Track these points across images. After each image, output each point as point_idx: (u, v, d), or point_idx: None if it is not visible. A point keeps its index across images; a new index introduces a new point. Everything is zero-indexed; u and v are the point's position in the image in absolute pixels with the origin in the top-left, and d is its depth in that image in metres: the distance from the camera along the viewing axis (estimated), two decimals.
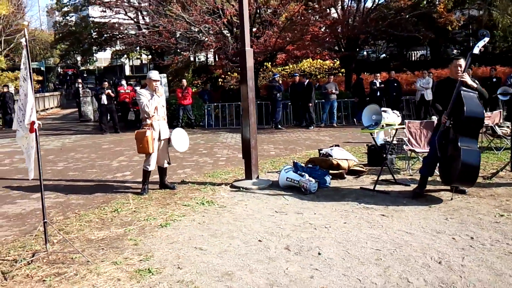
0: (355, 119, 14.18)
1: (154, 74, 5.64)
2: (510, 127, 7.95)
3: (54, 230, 4.06)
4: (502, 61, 20.84)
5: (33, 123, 3.33)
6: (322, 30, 17.18)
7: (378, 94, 13.37)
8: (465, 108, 4.55)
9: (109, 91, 13.04)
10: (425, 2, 19.56)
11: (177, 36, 15.05)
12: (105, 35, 26.46)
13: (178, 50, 19.47)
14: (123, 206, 5.05)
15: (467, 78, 4.67)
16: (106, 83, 13.35)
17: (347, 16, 17.26)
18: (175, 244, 3.79)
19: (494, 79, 13.14)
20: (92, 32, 26.87)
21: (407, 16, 18.78)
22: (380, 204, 4.82)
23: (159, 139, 5.60)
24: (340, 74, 20.55)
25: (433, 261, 3.27)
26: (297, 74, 14.38)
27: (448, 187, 5.14)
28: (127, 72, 48.90)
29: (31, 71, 3.32)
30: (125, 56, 33.99)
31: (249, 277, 3.12)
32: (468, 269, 3.10)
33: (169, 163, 5.92)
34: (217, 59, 25.45)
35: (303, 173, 5.53)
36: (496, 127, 7.73)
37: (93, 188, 6.12)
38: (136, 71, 49.21)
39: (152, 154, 5.51)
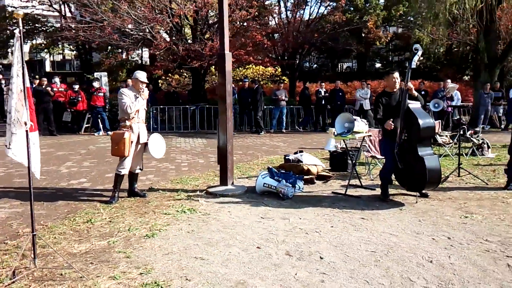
0: (300, 126, 14.70)
1: (141, 75, 5.40)
2: (449, 136, 8.79)
3: (29, 243, 3.72)
4: (424, 76, 22.80)
5: (25, 123, 3.05)
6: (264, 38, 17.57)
7: (323, 102, 13.98)
8: (419, 121, 4.99)
9: (49, 88, 12.13)
10: (357, 18, 20.81)
11: (121, 32, 14.38)
12: (25, 27, 24.43)
13: (119, 48, 18.60)
14: (95, 216, 4.76)
15: (411, 87, 5.12)
16: (44, 79, 12.36)
17: (284, 26, 17.86)
18: (172, 255, 3.68)
19: (423, 92, 14.39)
20: (11, 23, 24.64)
21: (342, 30, 19.91)
22: (356, 208, 5.08)
23: (137, 143, 5.39)
24: (282, 81, 21.17)
25: (425, 260, 3.55)
26: (247, 80, 14.53)
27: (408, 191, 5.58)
28: (48, 68, 45.61)
29: (24, 65, 3.04)
30: (46, 51, 31.66)
31: (262, 285, 3.14)
32: (457, 267, 3.41)
33: (141, 169, 5.70)
34: (157, 60, 24.83)
35: (280, 179, 5.64)
36: (437, 136, 8.50)
37: (51, 196, 5.68)
38: (58, 68, 46.09)
39: (127, 157, 5.27)
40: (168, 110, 14.65)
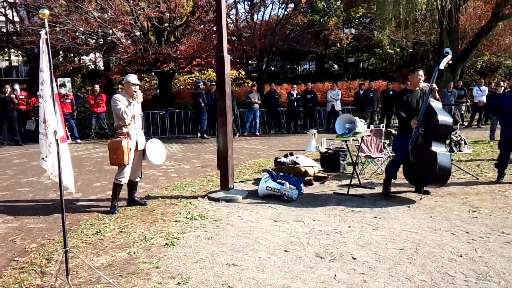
0: (272, 130, 14.72)
1: (133, 78, 5.13)
2: None
3: (43, 259, 3.42)
4: (379, 77, 23.59)
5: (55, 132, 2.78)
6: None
7: (295, 104, 14.07)
8: (438, 117, 5.13)
9: (13, 95, 11.34)
10: (319, 19, 21.19)
11: (84, 36, 13.74)
12: None
13: (76, 53, 17.73)
14: (102, 227, 4.48)
15: (436, 88, 5.27)
16: (8, 87, 11.54)
17: (250, 29, 17.80)
18: (202, 262, 3.51)
19: (391, 92, 14.89)
20: None
21: (305, 32, 20.18)
22: (364, 207, 5.11)
23: (136, 150, 5.12)
24: (246, 84, 21.13)
25: (455, 255, 3.61)
26: (214, 83, 14.33)
27: (412, 188, 5.70)
28: None
29: (52, 69, 2.77)
30: None
31: None
32: (487, 260, 3.49)
33: (140, 177, 5.42)
34: (113, 64, 23.99)
35: (283, 182, 5.57)
36: None
37: (45, 209, 5.28)
38: (5, 75, 43.41)
39: (126, 166, 5.00)
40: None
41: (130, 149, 4.97)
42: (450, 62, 5.98)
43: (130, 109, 4.98)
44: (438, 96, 5.38)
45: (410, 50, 24.61)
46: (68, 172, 3.03)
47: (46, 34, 2.76)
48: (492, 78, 19.26)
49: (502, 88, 10.99)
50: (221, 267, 3.40)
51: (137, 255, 3.68)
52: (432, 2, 14.14)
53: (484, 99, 14.00)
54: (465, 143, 8.94)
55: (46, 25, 2.79)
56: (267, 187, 5.56)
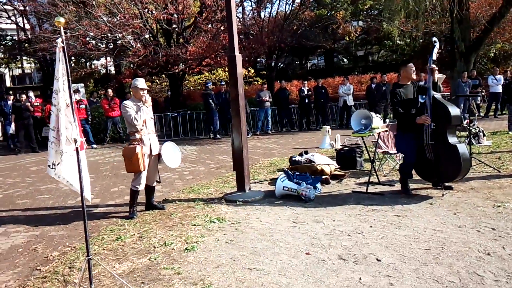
0: (284, 128, 14.62)
1: (141, 82, 5.08)
2: None
3: (66, 268, 3.42)
4: (391, 69, 23.23)
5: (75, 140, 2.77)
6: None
7: (306, 100, 13.96)
8: (450, 109, 5.00)
9: (28, 104, 11.46)
10: (326, 13, 20.97)
11: (94, 41, 13.84)
12: None
13: (87, 58, 17.86)
14: (122, 233, 4.48)
15: (435, 68, 5.16)
16: (23, 95, 11.67)
17: (258, 27, 17.70)
18: (223, 267, 3.47)
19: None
20: None
21: (313, 27, 20.02)
22: (385, 205, 5.00)
23: (150, 155, 5.09)
24: (256, 82, 21.05)
25: (482, 253, 3.50)
26: (223, 83, 14.34)
27: (428, 184, 5.58)
28: (8, 83, 43.43)
29: (70, 77, 2.74)
30: (4, 66, 29.98)
31: None
32: None
33: (158, 181, 5.40)
34: (124, 68, 24.12)
35: (299, 181, 5.50)
36: None
37: (65, 216, 5.33)
38: (19, 82, 44.03)
39: (142, 172, 4.98)
40: None
41: (144, 154, 4.94)
42: (440, 48, 5.82)
43: (140, 115, 4.94)
44: (436, 79, 5.19)
45: (421, 40, 24.21)
46: (85, 179, 3.01)
47: (62, 42, 2.74)
48: (506, 67, 18.83)
49: None
50: (243, 272, 3.36)
51: (158, 261, 3.66)
52: None
53: (500, 88, 13.83)
54: (484, 135, 8.75)
55: (62, 33, 2.76)
56: (284, 187, 5.49)
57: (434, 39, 5.24)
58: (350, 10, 21.83)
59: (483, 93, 15.02)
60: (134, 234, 4.42)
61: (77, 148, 2.80)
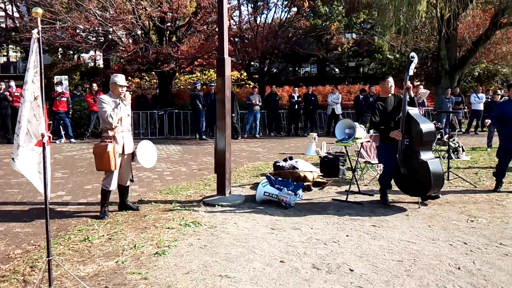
0: (272, 132, 14.63)
1: (120, 79, 4.94)
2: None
3: (27, 267, 3.32)
4: (376, 81, 23.51)
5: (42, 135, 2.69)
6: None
7: (296, 106, 14.01)
8: (421, 126, 5.05)
9: (7, 93, 11.21)
10: (321, 23, 21.16)
11: (84, 34, 13.66)
12: None
13: (75, 50, 17.61)
14: (90, 233, 4.37)
15: (410, 86, 5.21)
16: (3, 83, 11.38)
17: (252, 31, 17.74)
18: (193, 274, 3.41)
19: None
20: None
21: (308, 36, 20.18)
22: (363, 215, 5.02)
23: (123, 154, 4.97)
24: (247, 85, 21.06)
25: (453, 267, 3.52)
26: (213, 84, 14.27)
27: (412, 198, 5.61)
28: None
29: (42, 69, 2.67)
30: None
31: None
32: (485, 272, 3.41)
33: (132, 181, 5.31)
34: (113, 62, 23.88)
35: (281, 187, 5.48)
36: None
37: (32, 213, 5.17)
38: (3, 71, 43.15)
39: (113, 171, 4.86)
40: (134, 115, 14.05)
41: (116, 153, 4.81)
42: (418, 65, 5.87)
43: (117, 112, 4.80)
44: (413, 94, 5.25)
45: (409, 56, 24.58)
46: (34, 176, 2.92)
47: (38, 33, 2.67)
48: (489, 86, 19.23)
49: (500, 95, 10.94)
50: (213, 279, 3.31)
51: (125, 265, 3.58)
52: (432, 10, 14.12)
53: (481, 106, 14.11)
54: (463, 150, 8.89)
55: (39, 24, 2.69)
56: (265, 192, 5.47)
57: (412, 54, 5.28)
58: (344, 22, 22.02)
59: (465, 110, 15.29)
60: (103, 235, 4.32)
61: (43, 144, 2.72)
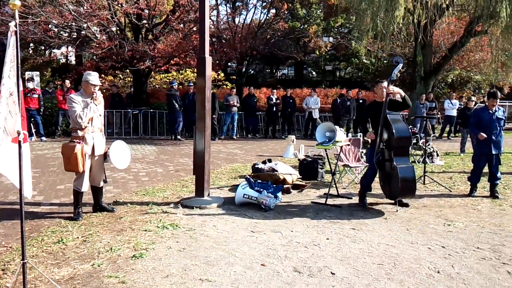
0: (249, 134, 14.56)
1: (93, 77, 4.74)
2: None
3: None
4: (355, 86, 23.90)
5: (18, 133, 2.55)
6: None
7: (274, 109, 14.01)
8: (394, 130, 5.10)
9: None
10: (299, 26, 21.29)
11: (57, 29, 13.23)
12: None
13: (47, 46, 17.06)
14: (65, 235, 4.20)
15: (397, 89, 5.27)
16: None
17: (231, 31, 17.66)
18: (172, 277, 3.31)
19: (361, 101, 15.08)
20: None
21: (286, 38, 20.27)
22: (342, 218, 5.02)
23: (92, 155, 4.78)
24: (225, 86, 20.95)
25: (432, 271, 3.55)
26: (191, 84, 14.12)
27: (389, 200, 5.67)
28: None
29: (19, 64, 2.53)
30: None
31: None
32: (464, 276, 3.45)
33: (105, 181, 5.13)
34: (85, 59, 23.29)
35: (260, 189, 5.43)
36: None
37: (3, 213, 4.95)
38: None
39: (83, 172, 4.69)
40: (108, 114, 13.70)
41: (85, 154, 4.64)
42: (402, 70, 5.98)
43: (87, 112, 4.62)
44: (402, 93, 5.29)
45: (385, 61, 25.04)
46: (27, 175, 2.78)
47: (16, 26, 2.53)
48: (462, 92, 19.79)
49: (473, 102, 11.24)
50: (194, 283, 3.22)
51: (101, 268, 3.44)
52: (409, 16, 14.39)
53: (454, 112, 14.49)
54: (438, 155, 9.07)
55: (17, 17, 2.55)
56: (244, 194, 5.40)
57: (397, 59, 5.32)
58: (322, 25, 22.23)
59: (438, 116, 15.66)
60: (78, 237, 4.16)
61: (19, 141, 2.57)
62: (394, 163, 5.14)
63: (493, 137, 5.87)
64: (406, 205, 5.50)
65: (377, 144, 5.25)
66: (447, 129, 15.15)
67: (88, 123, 4.71)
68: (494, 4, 11.76)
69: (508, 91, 20.03)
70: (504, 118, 6.05)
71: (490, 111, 5.98)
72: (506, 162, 6.90)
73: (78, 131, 4.67)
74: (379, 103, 5.38)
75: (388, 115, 5.19)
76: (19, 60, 2.53)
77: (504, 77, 15.28)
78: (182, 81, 19.46)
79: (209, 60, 5.32)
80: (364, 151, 7.76)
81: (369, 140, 5.54)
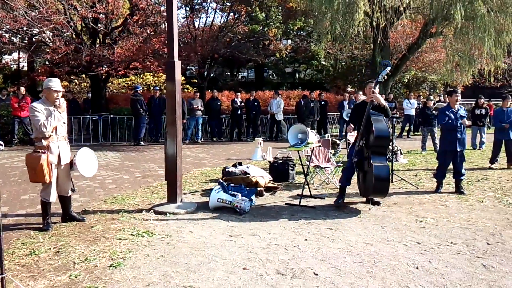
0: (214, 137, 14.44)
1: (55, 83, 4.54)
2: None
3: None
4: (316, 87, 24.34)
5: None
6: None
7: (239, 112, 13.96)
8: (374, 129, 5.24)
9: None
10: (259, 28, 21.43)
11: (7, 34, 12.56)
12: None
13: (3, 50, 16.16)
14: (36, 246, 3.98)
15: (379, 97, 5.41)
16: None
17: (192, 35, 17.46)
18: (154, 285, 3.20)
19: (323, 102, 15.38)
20: None
21: (247, 41, 20.32)
22: (318, 218, 5.06)
23: (59, 164, 4.57)
24: (186, 90, 20.69)
25: (411, 267, 3.63)
26: (158, 88, 13.88)
27: (362, 199, 5.79)
28: None
29: None
30: None
31: None
32: (442, 271, 3.55)
33: (73, 190, 4.90)
34: (37, 64, 22.28)
35: (235, 193, 5.37)
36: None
37: None
38: None
39: (51, 183, 4.48)
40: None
41: (51, 164, 4.44)
42: (389, 73, 6.17)
43: (51, 121, 4.42)
44: (384, 103, 5.47)
45: (344, 63, 25.68)
46: None
47: None
48: (418, 92, 20.60)
49: (432, 101, 11.72)
50: None
51: (79, 279, 3.28)
52: (367, 19, 14.81)
53: (413, 111, 15.06)
54: (401, 153, 9.37)
55: None
56: (218, 199, 5.32)
57: (386, 62, 5.49)
58: (282, 28, 22.48)
59: (397, 115, 16.23)
60: (50, 248, 3.95)
61: None
62: (371, 161, 5.25)
63: (458, 135, 6.13)
64: (378, 203, 5.63)
65: (357, 142, 5.36)
66: (407, 128, 15.70)
67: (52, 131, 4.50)
68: (448, 7, 12.34)
69: (462, 90, 21.13)
70: (466, 116, 6.33)
71: (454, 109, 6.24)
72: (466, 159, 7.20)
73: (43, 140, 4.46)
74: (366, 103, 5.49)
75: (371, 115, 5.29)
76: None
77: (458, 77, 16.02)
78: (142, 86, 19.03)
79: (178, 64, 5.21)
80: (333, 151, 7.92)
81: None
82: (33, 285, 3.15)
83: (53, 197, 4.56)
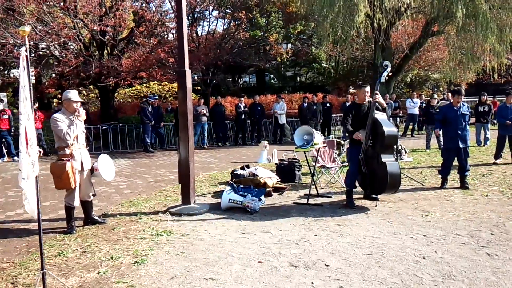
0: (220, 142, 14.70)
1: (73, 94, 4.83)
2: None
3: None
4: (316, 90, 24.59)
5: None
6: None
7: (243, 116, 14.22)
8: (384, 129, 5.44)
9: None
10: (260, 35, 21.75)
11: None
12: None
13: (12, 65, 16.60)
14: (63, 248, 4.25)
15: (380, 98, 5.62)
16: None
17: (195, 43, 17.78)
18: (178, 279, 3.44)
19: (328, 104, 15.59)
20: None
21: (248, 47, 20.61)
22: (326, 215, 5.28)
23: (82, 170, 4.85)
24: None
25: (418, 257, 3.84)
26: (156, 97, 14.21)
27: (360, 195, 5.98)
28: None
29: (31, 87, 2.63)
30: None
31: None
32: (448, 260, 3.76)
33: (94, 195, 5.17)
34: (44, 78, 22.71)
35: (245, 194, 5.60)
36: None
37: None
38: None
39: (75, 188, 4.74)
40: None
41: (75, 170, 4.71)
42: (390, 74, 6.36)
43: (73, 129, 4.70)
44: (385, 104, 5.69)
45: (345, 65, 25.92)
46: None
47: (26, 51, 2.66)
48: (421, 91, 20.76)
49: (436, 100, 11.92)
50: (199, 282, 3.36)
51: (107, 275, 3.53)
52: (368, 21, 15.04)
53: (417, 110, 15.24)
54: (406, 152, 9.56)
55: (26, 42, 2.69)
56: (229, 199, 5.55)
57: (386, 62, 5.68)
58: (282, 33, 22.77)
59: (400, 114, 16.42)
60: (77, 249, 4.20)
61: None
62: (382, 159, 5.43)
63: (459, 132, 6.33)
64: (376, 198, 5.75)
65: (364, 143, 5.54)
66: (411, 127, 15.87)
67: (74, 140, 4.77)
68: (449, 5, 12.53)
69: (466, 87, 21.30)
70: (468, 113, 6.53)
71: (455, 108, 6.46)
72: (471, 155, 7.40)
73: (66, 149, 4.73)
74: (358, 105, 5.69)
75: (376, 115, 5.49)
76: (31, 83, 2.64)
77: (461, 74, 16.16)
78: (146, 94, 19.36)
79: (189, 73, 5.48)
80: (337, 152, 8.12)
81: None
82: (65, 282, 3.40)
83: (77, 202, 4.83)
